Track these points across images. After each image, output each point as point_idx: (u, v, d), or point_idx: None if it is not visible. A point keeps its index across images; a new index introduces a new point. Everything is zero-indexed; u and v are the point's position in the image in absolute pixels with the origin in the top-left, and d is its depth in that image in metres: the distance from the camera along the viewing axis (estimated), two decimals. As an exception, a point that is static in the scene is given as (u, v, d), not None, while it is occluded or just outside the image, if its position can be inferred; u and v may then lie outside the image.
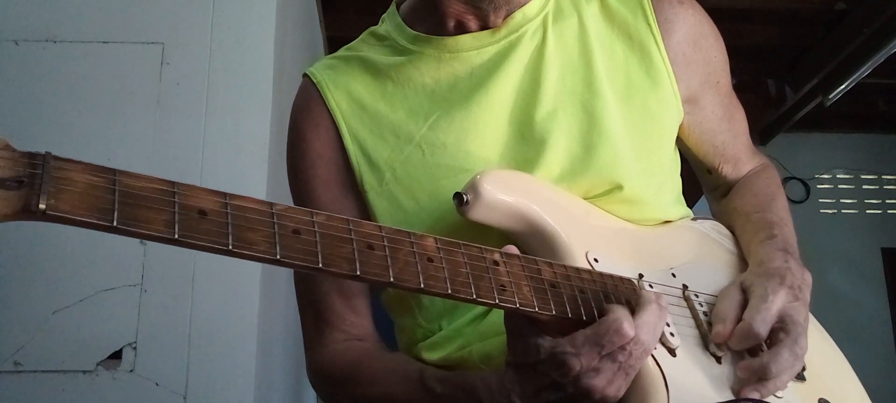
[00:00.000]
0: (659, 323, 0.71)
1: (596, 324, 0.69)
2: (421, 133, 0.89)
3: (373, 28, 1.00)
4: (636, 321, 0.69)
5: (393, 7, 0.98)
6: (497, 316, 0.81)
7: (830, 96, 4.14)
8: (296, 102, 0.98)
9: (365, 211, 0.91)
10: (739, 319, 0.80)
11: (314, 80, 0.95)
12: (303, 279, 0.97)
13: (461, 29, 0.90)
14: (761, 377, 0.77)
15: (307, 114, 0.95)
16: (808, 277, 0.86)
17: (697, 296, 0.84)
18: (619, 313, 0.69)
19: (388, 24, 0.97)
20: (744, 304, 0.82)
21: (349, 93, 0.93)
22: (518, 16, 0.90)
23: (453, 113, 0.89)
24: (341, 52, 1.00)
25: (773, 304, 0.79)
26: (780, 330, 0.79)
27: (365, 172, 0.91)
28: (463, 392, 0.78)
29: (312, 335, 0.95)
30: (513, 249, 0.72)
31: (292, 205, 0.60)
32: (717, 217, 1.05)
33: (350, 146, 0.92)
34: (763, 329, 0.78)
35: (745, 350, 0.80)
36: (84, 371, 1.81)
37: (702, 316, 0.82)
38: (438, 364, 0.86)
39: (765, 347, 0.79)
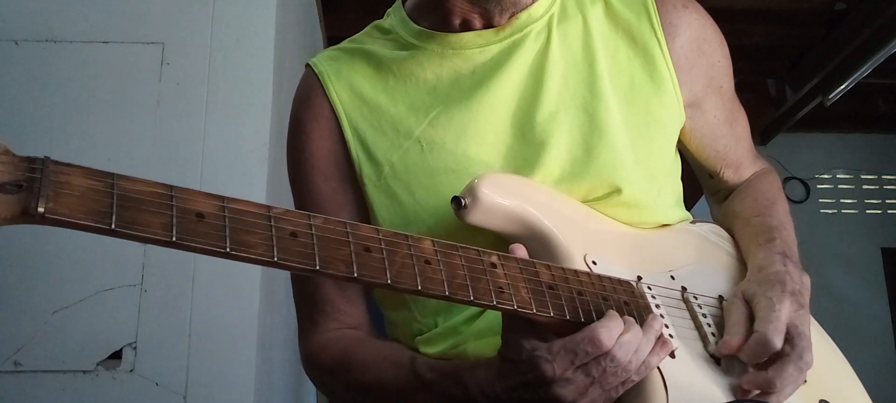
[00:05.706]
0: (642, 346, 0.70)
1: (574, 334, 0.69)
2: (420, 128, 0.89)
3: (377, 22, 0.99)
4: (618, 337, 0.69)
5: (398, 1, 0.98)
6: (493, 315, 0.81)
7: (830, 96, 4.14)
8: (297, 93, 0.98)
9: (364, 204, 0.91)
10: (749, 332, 0.79)
11: (316, 71, 0.95)
12: None
13: (466, 27, 0.90)
14: (765, 391, 0.77)
15: (308, 106, 0.95)
16: (807, 280, 0.86)
17: (696, 298, 0.84)
18: (601, 324, 0.69)
19: (393, 18, 0.97)
20: (751, 316, 0.81)
21: (351, 85, 0.93)
22: (523, 16, 0.89)
23: (454, 110, 0.89)
24: (344, 43, 0.99)
25: (782, 313, 0.79)
26: (787, 343, 0.78)
27: (364, 165, 0.90)
28: (451, 379, 0.78)
29: (306, 323, 0.95)
30: (520, 249, 0.72)
31: (291, 208, 0.60)
32: (717, 220, 1.05)
33: (350, 139, 0.91)
34: (778, 340, 0.77)
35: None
36: (84, 371, 1.81)
37: (701, 318, 0.82)
38: (435, 357, 0.86)
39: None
